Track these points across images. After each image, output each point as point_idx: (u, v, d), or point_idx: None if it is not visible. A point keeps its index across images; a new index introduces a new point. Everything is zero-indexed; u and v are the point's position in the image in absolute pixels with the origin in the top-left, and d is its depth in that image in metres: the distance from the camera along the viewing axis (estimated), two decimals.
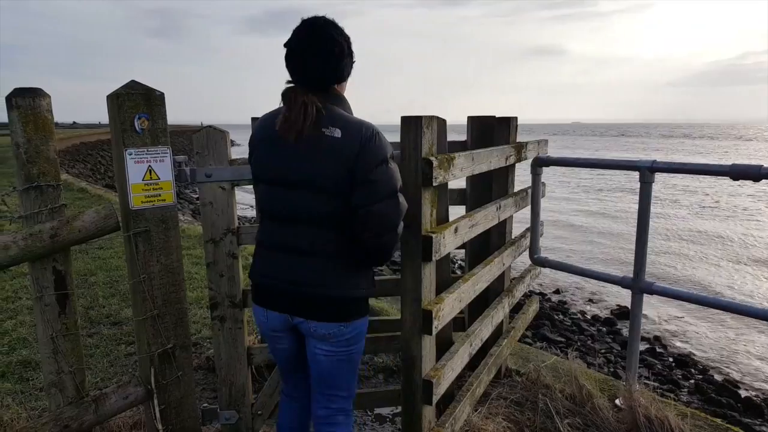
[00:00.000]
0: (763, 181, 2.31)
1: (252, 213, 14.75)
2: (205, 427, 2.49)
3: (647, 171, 2.61)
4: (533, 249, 3.23)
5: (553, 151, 3.31)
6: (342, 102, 1.71)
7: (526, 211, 3.24)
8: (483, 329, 2.60)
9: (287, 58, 1.66)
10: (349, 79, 1.80)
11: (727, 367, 6.13)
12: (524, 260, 3.43)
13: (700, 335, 7.06)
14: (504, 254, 2.85)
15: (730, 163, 2.43)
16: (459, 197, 3.11)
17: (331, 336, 1.72)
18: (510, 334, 3.09)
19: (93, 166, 24.26)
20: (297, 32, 1.64)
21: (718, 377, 5.77)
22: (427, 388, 2.09)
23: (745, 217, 16.09)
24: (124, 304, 4.48)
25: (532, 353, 3.67)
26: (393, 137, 2.17)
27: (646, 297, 2.78)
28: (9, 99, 1.67)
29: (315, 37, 1.63)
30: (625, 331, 6.74)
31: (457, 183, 2.69)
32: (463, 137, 3.07)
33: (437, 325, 2.06)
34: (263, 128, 1.74)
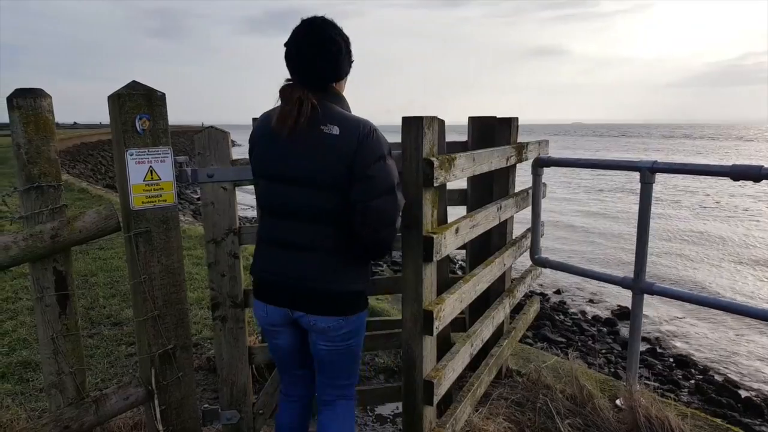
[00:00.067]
0: (764, 181, 2.31)
1: (252, 213, 14.75)
2: (206, 428, 2.49)
3: (648, 171, 2.61)
4: (534, 249, 3.23)
5: (553, 152, 3.31)
6: (340, 100, 1.76)
7: (527, 212, 3.24)
8: (484, 329, 2.60)
9: (287, 56, 1.71)
10: (349, 79, 1.85)
11: (727, 367, 6.13)
12: (525, 261, 3.43)
13: (701, 336, 7.06)
14: (505, 255, 2.85)
15: (730, 163, 2.43)
16: (460, 198, 3.11)
17: (331, 329, 1.76)
18: (511, 334, 3.09)
19: (94, 166, 24.28)
20: (296, 32, 1.69)
21: (718, 377, 5.77)
22: (428, 389, 2.09)
23: (746, 217, 16.09)
24: (124, 304, 4.49)
25: (532, 353, 3.67)
26: (393, 137, 2.17)
27: (646, 297, 2.78)
28: (10, 99, 1.67)
29: (314, 37, 1.67)
30: (625, 332, 6.73)
31: (458, 183, 2.69)
32: (463, 138, 3.07)
33: (438, 325, 2.06)
34: (263, 125, 1.77)
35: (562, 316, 7.43)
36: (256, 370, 3.06)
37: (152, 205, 1.91)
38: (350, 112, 1.76)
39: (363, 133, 1.66)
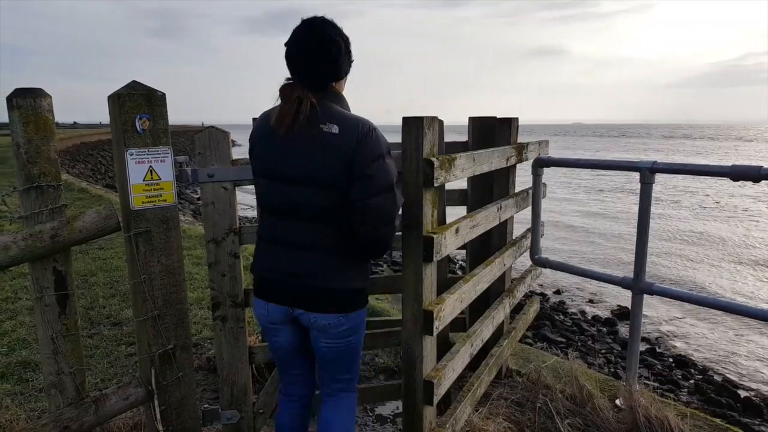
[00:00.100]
0: (763, 182, 2.31)
1: (252, 213, 14.75)
2: (206, 428, 2.49)
3: (648, 172, 2.61)
4: (534, 249, 3.23)
5: (553, 152, 3.31)
6: (340, 100, 1.78)
7: (527, 212, 3.24)
8: (484, 329, 2.60)
9: (287, 56, 1.73)
10: (349, 79, 1.87)
11: (726, 367, 6.13)
12: (525, 261, 3.43)
13: (700, 336, 7.06)
14: (505, 255, 2.85)
15: (730, 164, 2.43)
16: (460, 198, 3.11)
17: (331, 327, 1.78)
18: (511, 334, 3.09)
19: (93, 166, 24.27)
20: (297, 31, 1.71)
21: (717, 377, 5.77)
22: (428, 389, 2.09)
23: (746, 217, 16.09)
24: (124, 304, 4.48)
25: (532, 353, 3.67)
26: (393, 137, 2.17)
27: (646, 297, 2.78)
28: (10, 99, 1.67)
29: (314, 37, 1.69)
30: (625, 332, 6.73)
31: (458, 183, 2.69)
32: (463, 138, 3.07)
33: (438, 325, 2.06)
34: (263, 124, 1.79)
35: (561, 316, 7.43)
36: (256, 370, 3.06)
37: (152, 205, 1.91)
38: (350, 111, 1.78)
39: (362, 131, 1.67)
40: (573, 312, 7.83)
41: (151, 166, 1.89)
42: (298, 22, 1.72)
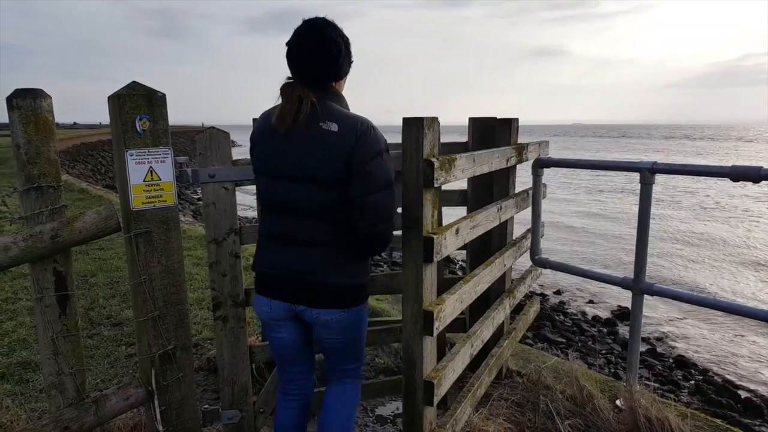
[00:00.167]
0: (764, 182, 2.30)
1: (252, 214, 14.76)
2: (206, 429, 2.49)
3: (648, 172, 2.61)
4: (534, 250, 3.23)
5: (553, 153, 3.31)
6: (339, 99, 1.81)
7: (527, 213, 3.24)
8: (484, 330, 2.60)
9: (288, 56, 1.76)
10: (349, 79, 1.90)
11: (726, 368, 6.13)
12: (525, 261, 3.42)
13: (700, 336, 7.06)
14: (505, 255, 2.85)
15: (730, 164, 2.42)
16: (460, 198, 3.11)
17: (333, 322, 1.81)
18: (511, 335, 3.08)
19: (94, 166, 24.27)
20: (298, 32, 1.74)
21: (718, 378, 5.77)
22: (428, 389, 2.09)
23: (746, 218, 16.09)
24: (124, 305, 4.48)
25: (532, 354, 3.67)
26: (393, 138, 2.17)
27: (646, 298, 2.78)
28: (10, 100, 1.67)
29: (314, 37, 1.72)
30: (625, 332, 6.73)
31: (458, 184, 2.69)
32: (463, 138, 3.07)
33: (438, 326, 2.06)
34: (263, 123, 1.81)
35: (562, 317, 7.43)
36: (256, 370, 3.06)
37: (152, 205, 1.91)
38: (349, 110, 1.80)
39: (361, 129, 1.70)
40: (573, 312, 7.82)
41: (151, 167, 1.89)
42: (298, 23, 1.75)
